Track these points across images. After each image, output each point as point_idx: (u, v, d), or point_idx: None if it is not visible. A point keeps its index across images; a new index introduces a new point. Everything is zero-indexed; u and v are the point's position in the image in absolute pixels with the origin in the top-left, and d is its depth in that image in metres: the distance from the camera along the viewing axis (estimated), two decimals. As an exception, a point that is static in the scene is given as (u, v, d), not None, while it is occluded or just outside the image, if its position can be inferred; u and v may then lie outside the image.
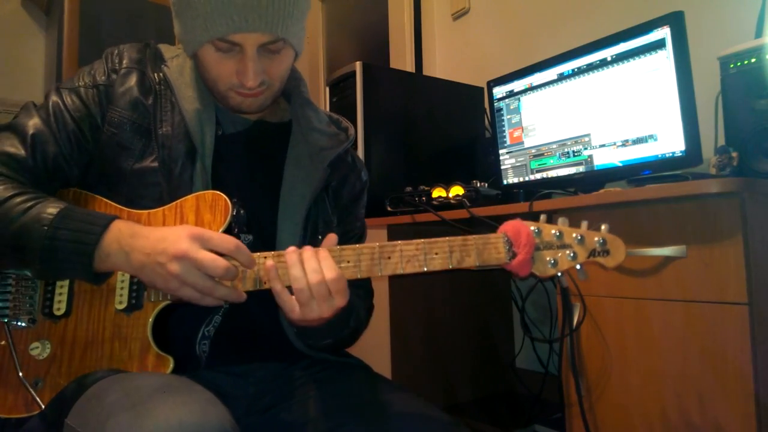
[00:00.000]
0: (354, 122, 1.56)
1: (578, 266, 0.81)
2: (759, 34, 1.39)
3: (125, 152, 0.89)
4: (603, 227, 0.82)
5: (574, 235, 0.81)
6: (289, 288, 0.77)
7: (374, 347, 1.68)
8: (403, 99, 1.89)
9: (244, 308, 0.81)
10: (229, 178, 0.94)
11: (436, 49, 2.50)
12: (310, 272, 0.75)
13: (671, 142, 1.26)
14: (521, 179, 1.62)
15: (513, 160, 1.64)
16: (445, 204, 1.56)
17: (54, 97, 0.90)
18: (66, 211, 0.77)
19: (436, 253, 0.79)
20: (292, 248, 0.77)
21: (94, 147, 0.90)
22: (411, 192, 1.66)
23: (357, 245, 0.80)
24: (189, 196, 0.85)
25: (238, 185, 0.93)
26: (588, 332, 1.21)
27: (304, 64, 3.31)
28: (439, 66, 2.49)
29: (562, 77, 1.50)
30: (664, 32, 1.26)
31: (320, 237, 0.94)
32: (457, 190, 1.55)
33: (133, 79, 0.92)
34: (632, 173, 1.33)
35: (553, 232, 0.81)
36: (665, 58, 1.26)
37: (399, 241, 0.79)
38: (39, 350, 0.80)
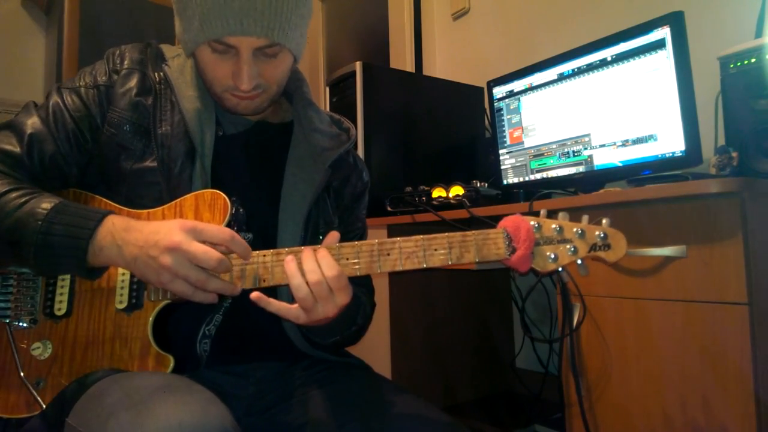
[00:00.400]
0: (354, 122, 1.55)
1: (579, 261, 0.80)
2: (759, 34, 1.39)
3: (125, 153, 0.89)
4: (604, 221, 0.81)
5: (574, 229, 0.80)
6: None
7: (374, 347, 1.68)
8: (403, 99, 1.89)
9: (244, 308, 0.80)
10: (229, 178, 0.93)
11: (436, 49, 2.50)
12: (309, 272, 0.74)
13: (671, 142, 1.26)
14: (521, 179, 1.62)
15: (513, 160, 1.64)
16: (445, 204, 1.56)
17: (54, 97, 0.90)
18: (60, 206, 0.77)
19: (435, 250, 0.78)
20: (290, 257, 0.76)
21: (94, 147, 0.90)
22: (411, 192, 1.66)
23: (356, 242, 0.79)
24: (188, 195, 0.85)
25: (239, 185, 0.93)
26: (588, 332, 1.21)
27: (304, 64, 3.27)
28: (439, 66, 2.49)
29: (562, 77, 1.50)
30: (664, 32, 1.26)
31: (321, 237, 0.94)
32: (457, 190, 1.55)
33: (133, 80, 0.92)
34: (632, 173, 1.33)
35: (553, 226, 0.80)
36: (665, 58, 1.26)
37: (398, 238, 0.79)
38: (40, 350, 0.80)
